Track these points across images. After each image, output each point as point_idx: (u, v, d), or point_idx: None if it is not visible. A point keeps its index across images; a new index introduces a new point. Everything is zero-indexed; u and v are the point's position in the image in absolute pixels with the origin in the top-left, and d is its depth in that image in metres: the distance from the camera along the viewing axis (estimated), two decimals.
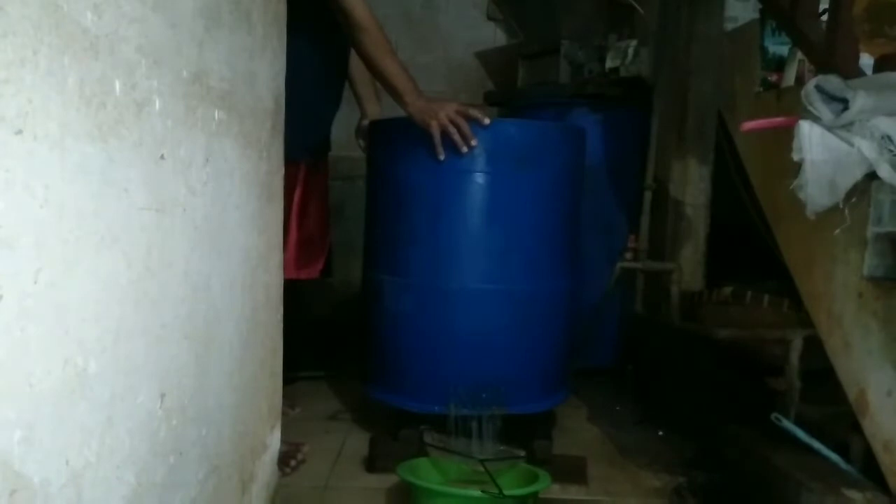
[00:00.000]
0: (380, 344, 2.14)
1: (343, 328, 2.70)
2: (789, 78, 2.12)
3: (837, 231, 1.48)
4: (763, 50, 2.22)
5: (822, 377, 1.64)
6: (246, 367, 1.44)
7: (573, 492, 1.87)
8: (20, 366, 0.68)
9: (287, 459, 1.87)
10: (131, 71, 0.87)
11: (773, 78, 2.19)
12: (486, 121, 1.92)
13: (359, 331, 2.25)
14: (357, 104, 2.49)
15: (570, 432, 2.29)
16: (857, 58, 1.70)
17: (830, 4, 1.69)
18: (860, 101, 1.41)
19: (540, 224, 2.05)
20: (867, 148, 1.40)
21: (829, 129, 1.45)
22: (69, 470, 0.77)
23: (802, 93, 1.51)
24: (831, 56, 1.66)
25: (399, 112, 2.03)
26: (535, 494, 1.69)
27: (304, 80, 1.89)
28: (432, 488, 1.68)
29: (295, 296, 1.97)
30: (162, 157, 0.98)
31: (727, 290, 2.32)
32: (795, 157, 1.48)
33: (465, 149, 1.91)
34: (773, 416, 1.69)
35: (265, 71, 1.52)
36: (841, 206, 1.45)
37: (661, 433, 2.29)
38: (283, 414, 1.82)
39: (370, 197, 2.21)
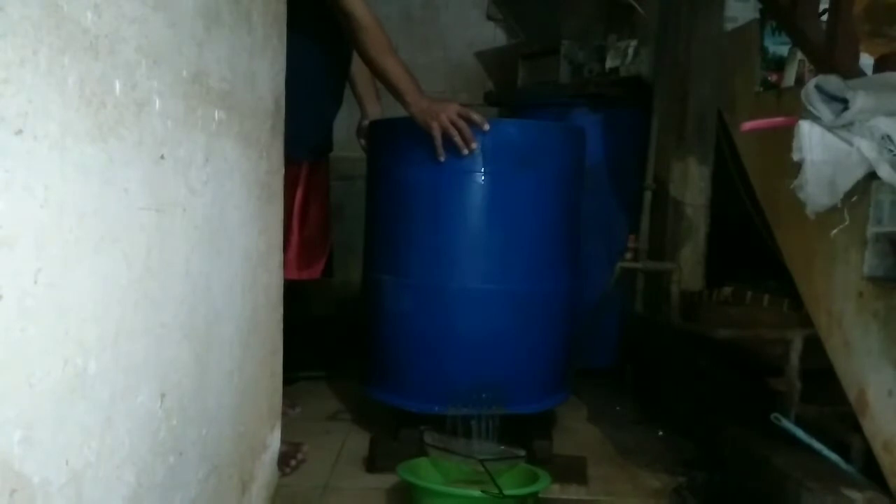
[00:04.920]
0: (380, 344, 2.14)
1: (343, 328, 2.70)
2: (789, 78, 2.11)
3: (835, 231, 1.47)
4: (763, 50, 2.22)
5: (822, 377, 1.64)
6: (246, 367, 1.44)
7: (573, 492, 1.86)
8: (20, 366, 0.68)
9: (287, 459, 1.87)
10: (131, 71, 0.87)
11: (773, 78, 2.19)
12: (487, 126, 1.92)
13: (359, 331, 2.25)
14: (357, 104, 2.49)
15: (570, 432, 2.29)
16: (857, 58, 1.70)
17: (830, 4, 1.69)
18: (860, 101, 1.41)
19: (540, 224, 2.05)
20: (867, 148, 1.40)
21: (829, 129, 1.45)
22: (69, 470, 0.77)
23: (802, 93, 1.51)
24: (831, 56, 1.66)
25: (399, 112, 2.03)
26: (535, 494, 1.69)
27: (305, 79, 1.89)
28: (432, 488, 1.68)
29: (295, 296, 1.97)
30: (162, 157, 0.98)
31: (727, 290, 2.32)
32: (795, 157, 1.48)
33: (465, 151, 1.91)
34: (773, 416, 1.69)
35: (265, 71, 1.52)
36: (843, 205, 1.45)
37: (661, 433, 2.29)
38: (283, 414, 1.83)
39: (370, 197, 2.21)
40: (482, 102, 3.28)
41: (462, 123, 1.90)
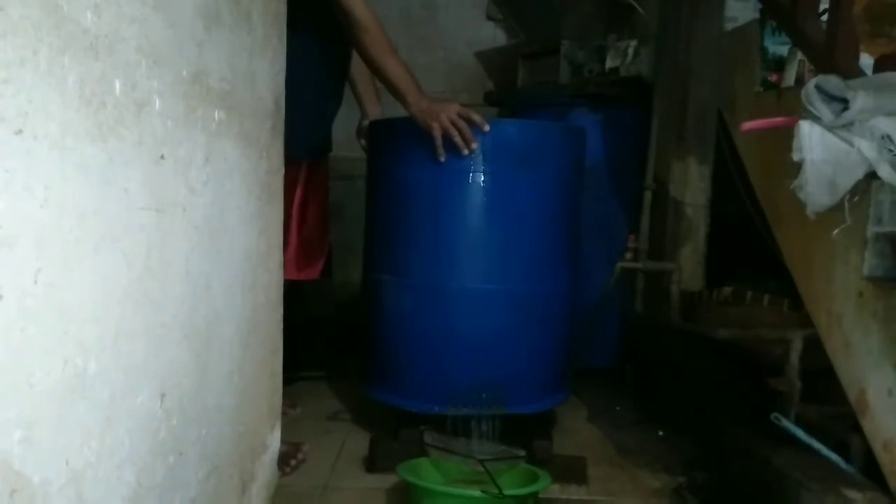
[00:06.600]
0: (380, 344, 2.14)
1: (343, 328, 2.70)
2: (789, 78, 2.11)
3: (836, 232, 1.47)
4: (763, 50, 2.22)
5: (822, 377, 1.64)
6: (246, 367, 1.44)
7: (573, 492, 1.86)
8: (20, 366, 0.68)
9: (287, 459, 1.88)
10: (131, 71, 0.87)
11: (773, 78, 2.19)
12: (487, 127, 1.92)
13: (359, 331, 2.25)
14: (357, 104, 2.49)
15: (570, 432, 2.29)
16: (857, 58, 1.70)
17: (831, 4, 1.69)
18: (860, 101, 1.41)
19: (540, 224, 2.05)
20: (867, 148, 1.40)
21: (829, 129, 1.45)
22: (69, 470, 0.77)
23: (802, 93, 1.51)
24: (831, 56, 1.66)
25: (399, 112, 2.03)
26: (535, 494, 1.69)
27: (304, 79, 1.89)
28: (432, 488, 1.68)
29: (295, 296, 1.97)
30: (162, 157, 0.98)
31: (727, 290, 2.32)
32: (795, 157, 1.48)
33: (465, 151, 1.91)
34: (773, 416, 1.69)
35: (265, 71, 1.52)
36: (846, 205, 1.45)
37: (661, 433, 2.29)
38: (283, 414, 1.83)
39: (370, 197, 2.21)
40: (482, 102, 3.28)
41: (462, 123, 1.90)
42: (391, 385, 2.11)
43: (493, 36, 3.70)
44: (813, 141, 1.45)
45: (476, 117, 1.92)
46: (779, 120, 1.67)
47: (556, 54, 3.04)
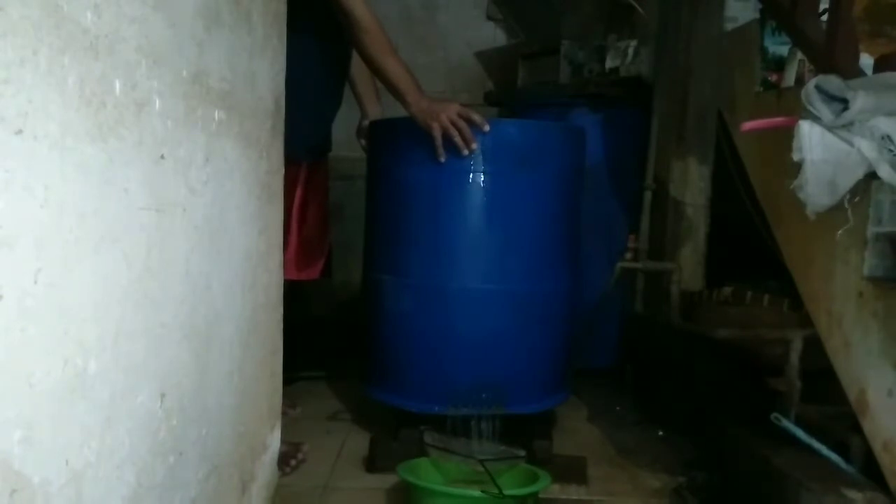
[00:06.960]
0: (380, 344, 2.14)
1: (343, 328, 2.70)
2: (789, 78, 2.11)
3: (840, 232, 1.47)
4: (763, 50, 2.22)
5: (822, 377, 1.64)
6: (246, 367, 1.44)
7: (573, 492, 1.86)
8: (20, 366, 0.68)
9: (287, 459, 1.88)
10: (131, 71, 0.87)
11: (773, 78, 2.19)
12: (487, 127, 1.93)
13: (359, 331, 2.25)
14: (357, 104, 2.49)
15: (570, 432, 2.29)
16: (857, 58, 1.70)
17: (831, 4, 1.69)
18: (860, 101, 1.41)
19: (540, 224, 2.05)
20: (867, 148, 1.40)
21: (829, 129, 1.45)
22: (69, 470, 0.77)
23: (802, 93, 1.51)
24: (831, 56, 1.66)
25: (399, 112, 2.03)
26: (535, 494, 1.69)
27: (304, 79, 1.89)
28: (432, 488, 1.68)
29: (295, 296, 1.97)
30: (162, 157, 0.98)
31: (727, 290, 2.32)
32: (795, 157, 1.48)
33: (465, 151, 1.91)
34: (773, 416, 1.69)
35: (265, 71, 1.52)
36: (846, 205, 1.45)
37: (661, 433, 2.29)
38: (283, 414, 1.83)
39: (370, 197, 2.21)
40: (482, 102, 3.28)
41: (462, 123, 1.90)
42: (391, 385, 2.11)
43: (493, 36, 3.70)
44: (813, 141, 1.45)
45: (476, 117, 1.92)
46: (779, 120, 1.67)
47: (556, 54, 3.04)
